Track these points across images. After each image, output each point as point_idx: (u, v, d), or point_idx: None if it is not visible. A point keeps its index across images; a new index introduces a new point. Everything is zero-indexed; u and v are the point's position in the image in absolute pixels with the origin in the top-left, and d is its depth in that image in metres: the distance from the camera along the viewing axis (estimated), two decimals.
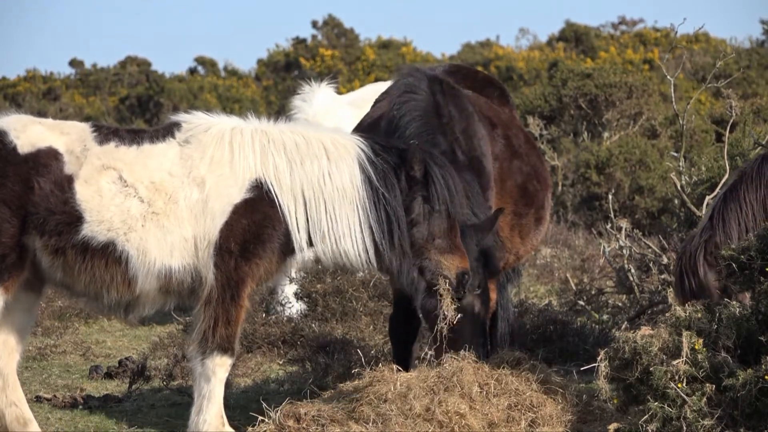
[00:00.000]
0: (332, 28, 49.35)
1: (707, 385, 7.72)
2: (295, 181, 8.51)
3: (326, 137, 8.70)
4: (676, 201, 15.92)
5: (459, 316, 8.69)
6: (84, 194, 8.35)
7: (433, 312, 8.71)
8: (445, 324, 8.66)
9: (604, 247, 14.20)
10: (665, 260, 12.95)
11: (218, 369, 8.46)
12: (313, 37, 49.27)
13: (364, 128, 10.26)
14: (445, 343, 8.74)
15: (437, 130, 9.46)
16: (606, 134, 24.07)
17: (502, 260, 9.72)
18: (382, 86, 15.61)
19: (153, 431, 9.66)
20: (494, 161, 9.91)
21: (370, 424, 8.39)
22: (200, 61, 50.32)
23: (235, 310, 8.44)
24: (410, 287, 8.74)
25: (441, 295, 8.62)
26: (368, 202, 8.55)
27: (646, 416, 7.74)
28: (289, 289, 13.55)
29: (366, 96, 15.64)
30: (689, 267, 9.69)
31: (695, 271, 9.65)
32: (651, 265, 13.34)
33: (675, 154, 15.24)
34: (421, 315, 9.11)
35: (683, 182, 13.31)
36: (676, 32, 13.28)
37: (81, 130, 8.55)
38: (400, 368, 8.81)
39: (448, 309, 8.63)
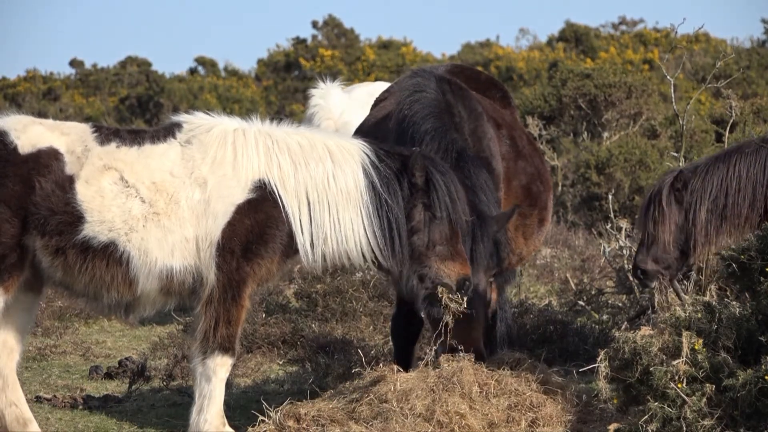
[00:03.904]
0: (332, 28, 49.35)
1: (707, 385, 7.72)
2: (299, 183, 8.51)
3: (330, 140, 8.70)
4: None
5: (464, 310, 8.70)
6: (85, 194, 8.35)
7: (433, 318, 8.73)
8: (447, 330, 8.66)
9: (604, 247, 14.20)
10: None
11: (219, 369, 8.46)
12: (313, 37, 49.28)
13: (368, 128, 10.21)
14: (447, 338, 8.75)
15: (451, 127, 9.44)
16: (606, 134, 24.06)
17: (506, 260, 9.72)
18: (377, 85, 15.60)
19: (153, 431, 9.67)
20: (501, 162, 9.90)
21: (370, 424, 8.39)
22: (200, 61, 50.33)
23: (236, 310, 8.45)
24: (410, 294, 8.74)
25: (440, 303, 8.61)
26: (371, 207, 8.54)
27: (646, 416, 7.74)
28: None
29: (363, 96, 15.65)
30: (656, 196, 10.35)
31: (660, 199, 10.31)
32: None
33: (675, 154, 15.23)
34: (423, 316, 9.12)
35: None
36: (676, 32, 13.26)
37: (81, 130, 8.55)
38: (400, 368, 8.81)
39: (449, 316, 8.62)
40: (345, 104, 15.52)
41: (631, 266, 11.25)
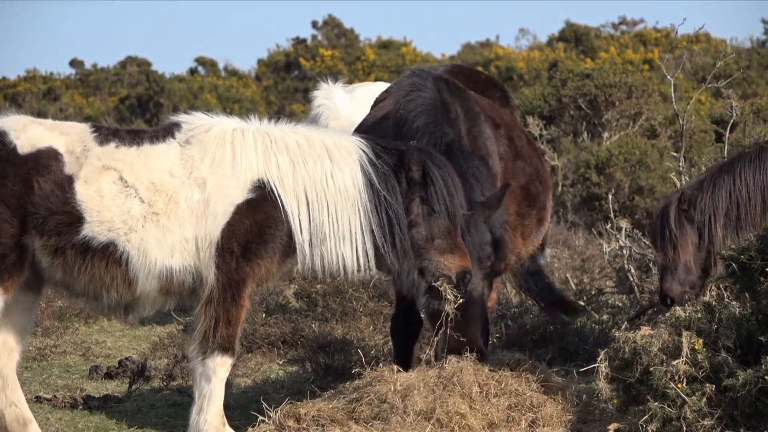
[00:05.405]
0: (332, 28, 49.36)
1: (707, 385, 7.72)
2: (297, 182, 8.51)
3: (328, 138, 8.70)
4: None
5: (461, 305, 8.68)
6: (84, 194, 8.35)
7: (435, 312, 8.71)
8: (448, 322, 8.65)
9: (604, 247, 14.20)
10: None
11: (219, 369, 8.46)
12: (313, 37, 49.29)
13: (367, 128, 10.23)
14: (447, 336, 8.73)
15: (444, 122, 9.45)
16: (606, 134, 24.07)
17: (504, 260, 9.72)
18: (378, 86, 15.54)
19: (153, 431, 9.66)
20: (499, 161, 9.90)
21: (370, 424, 8.39)
22: (200, 61, 50.34)
23: (235, 310, 8.45)
24: (411, 289, 8.72)
25: (442, 296, 8.59)
26: (370, 205, 8.54)
27: (646, 416, 7.74)
28: None
29: (368, 97, 15.57)
30: (665, 220, 10.37)
31: (669, 222, 10.33)
32: (651, 265, 13.34)
33: (675, 155, 15.25)
34: (423, 315, 9.11)
35: (683, 182, 13.31)
36: (676, 32, 13.27)
37: (81, 130, 8.55)
38: (400, 368, 8.81)
39: (450, 308, 8.60)
40: (352, 104, 15.46)
41: (658, 295, 11.11)
